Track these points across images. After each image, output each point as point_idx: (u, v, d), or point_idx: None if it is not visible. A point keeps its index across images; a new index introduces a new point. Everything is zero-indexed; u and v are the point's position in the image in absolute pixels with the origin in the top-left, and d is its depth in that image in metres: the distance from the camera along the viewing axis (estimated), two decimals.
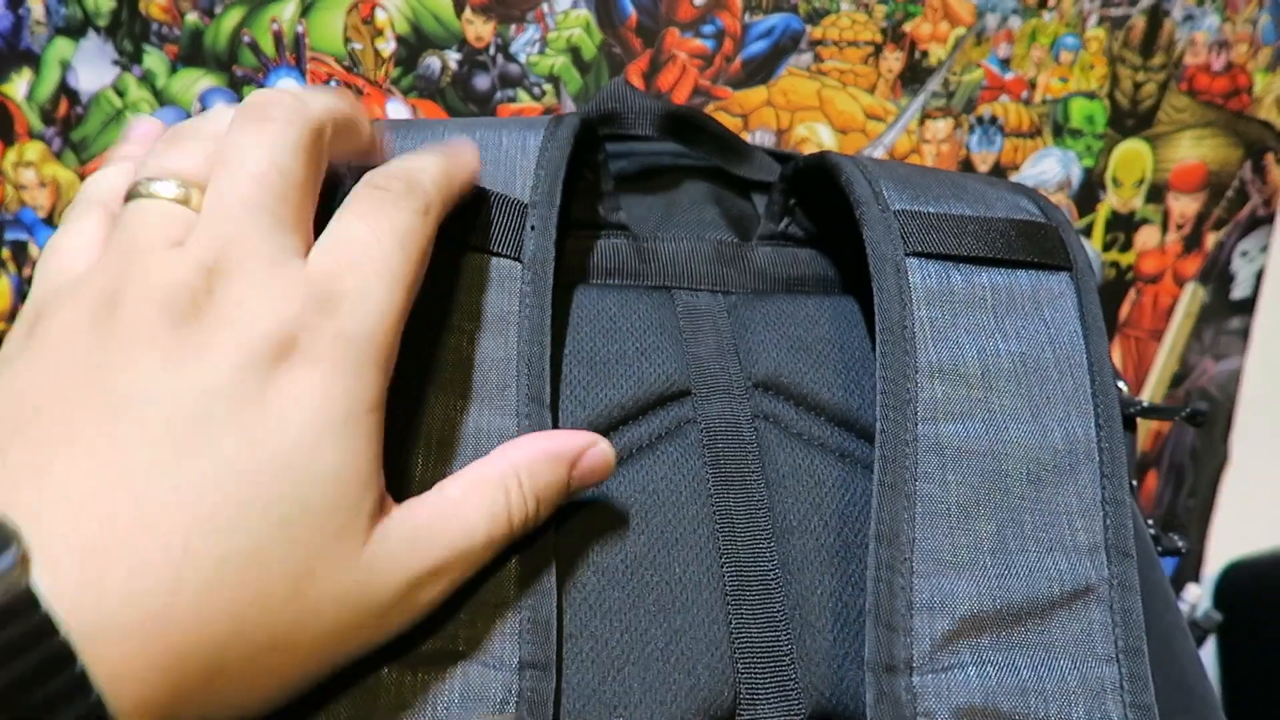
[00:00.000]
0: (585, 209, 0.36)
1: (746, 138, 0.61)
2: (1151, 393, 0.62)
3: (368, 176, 0.25)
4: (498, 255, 0.29)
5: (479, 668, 0.24)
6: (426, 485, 0.25)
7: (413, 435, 0.26)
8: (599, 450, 0.26)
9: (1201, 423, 0.45)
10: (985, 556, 0.27)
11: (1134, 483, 0.44)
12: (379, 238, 0.24)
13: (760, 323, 0.33)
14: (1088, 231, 0.62)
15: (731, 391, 0.31)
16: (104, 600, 0.19)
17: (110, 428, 0.20)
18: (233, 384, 0.21)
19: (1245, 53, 0.60)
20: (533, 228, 0.29)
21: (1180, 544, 0.42)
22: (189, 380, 0.20)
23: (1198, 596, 0.55)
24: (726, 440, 0.30)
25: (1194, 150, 0.61)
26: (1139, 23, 0.60)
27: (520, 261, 0.29)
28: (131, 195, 0.23)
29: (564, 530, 0.27)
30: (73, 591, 0.18)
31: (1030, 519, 0.28)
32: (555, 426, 0.28)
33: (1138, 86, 0.60)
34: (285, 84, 0.61)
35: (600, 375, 0.30)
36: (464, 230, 0.29)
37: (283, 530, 0.20)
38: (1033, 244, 0.32)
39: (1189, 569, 0.66)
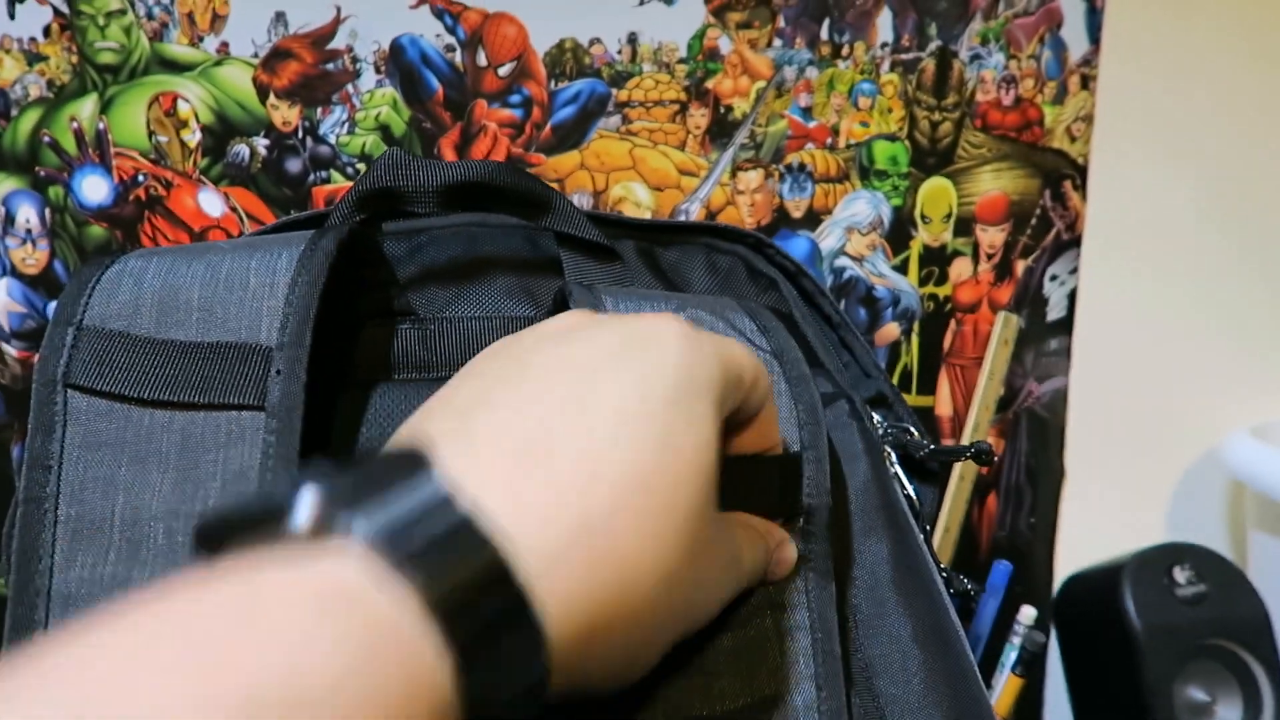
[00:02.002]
0: (373, 297, 0.35)
1: None
2: (976, 419, 0.63)
3: None
4: (239, 408, 0.28)
5: None
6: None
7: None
8: (790, 548, 0.30)
9: (988, 461, 0.46)
10: None
11: (928, 528, 0.45)
12: None
13: None
14: (904, 267, 0.63)
15: None
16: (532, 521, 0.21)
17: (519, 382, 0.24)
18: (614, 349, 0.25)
19: (1032, 88, 0.63)
20: (279, 372, 0.28)
21: (969, 586, 0.43)
22: (577, 350, 0.25)
23: (1031, 618, 0.56)
24: None
25: (995, 183, 0.63)
26: (929, 65, 0.62)
27: (264, 410, 0.27)
28: None
29: None
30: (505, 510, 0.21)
31: None
32: None
33: (934, 126, 0.62)
34: (91, 181, 0.60)
35: None
36: (199, 390, 0.28)
37: (675, 458, 0.23)
38: None
39: (1040, 587, 0.67)
